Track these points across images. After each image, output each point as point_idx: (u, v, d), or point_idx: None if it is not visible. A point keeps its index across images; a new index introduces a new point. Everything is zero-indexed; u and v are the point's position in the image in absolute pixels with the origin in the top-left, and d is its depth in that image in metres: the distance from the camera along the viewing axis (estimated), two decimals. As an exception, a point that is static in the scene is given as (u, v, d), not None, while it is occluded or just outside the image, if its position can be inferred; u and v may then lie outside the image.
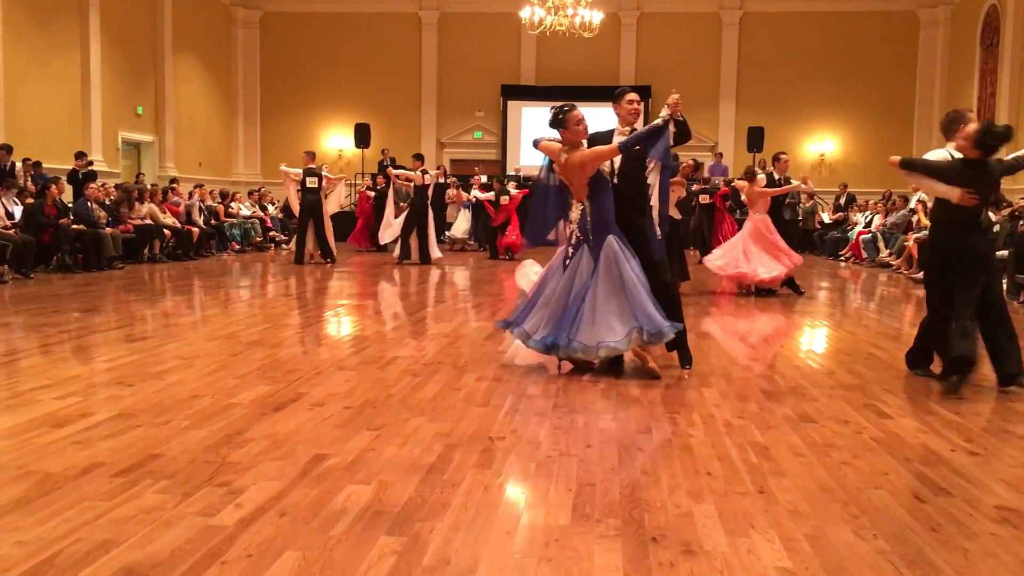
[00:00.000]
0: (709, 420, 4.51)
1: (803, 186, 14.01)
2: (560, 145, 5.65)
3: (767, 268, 10.43)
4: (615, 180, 5.69)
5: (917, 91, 22.51)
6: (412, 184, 14.55)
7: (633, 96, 5.79)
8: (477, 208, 17.91)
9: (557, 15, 18.60)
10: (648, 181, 5.62)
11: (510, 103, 23.57)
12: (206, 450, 3.78)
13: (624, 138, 5.58)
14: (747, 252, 10.59)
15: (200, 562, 2.64)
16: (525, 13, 18.74)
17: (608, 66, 23.17)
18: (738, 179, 12.11)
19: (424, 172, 14.53)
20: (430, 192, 14.94)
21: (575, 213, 5.69)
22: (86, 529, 2.88)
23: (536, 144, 5.85)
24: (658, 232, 5.61)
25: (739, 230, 13.47)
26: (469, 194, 18.31)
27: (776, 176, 10.89)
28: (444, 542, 2.84)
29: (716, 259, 10.89)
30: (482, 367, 5.79)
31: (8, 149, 13.54)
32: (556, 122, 5.62)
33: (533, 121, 23.65)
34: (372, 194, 17.63)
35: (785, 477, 3.58)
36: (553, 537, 2.91)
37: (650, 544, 2.86)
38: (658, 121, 5.49)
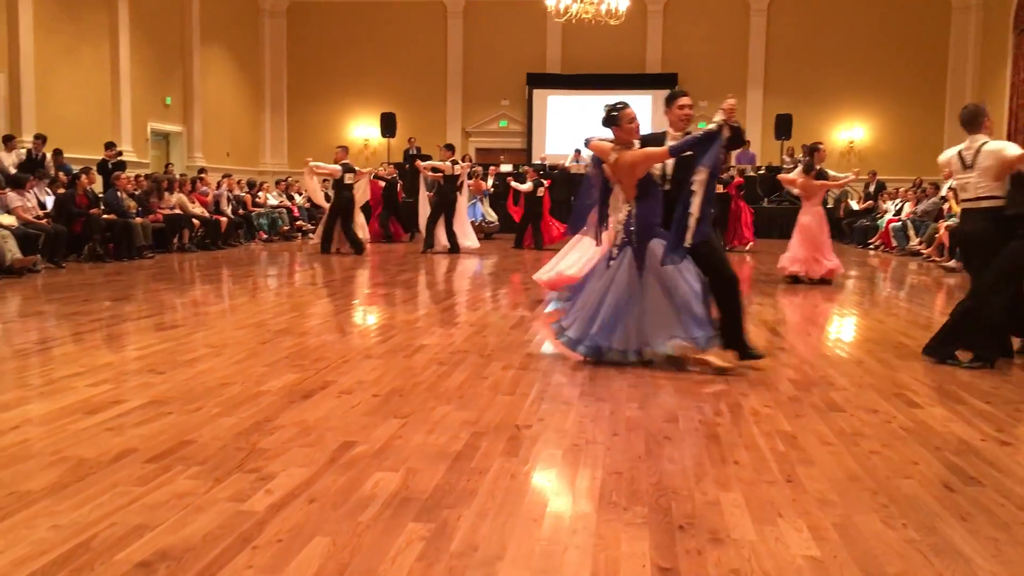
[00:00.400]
0: (736, 409, 4.50)
1: (856, 178, 13.87)
2: (611, 144, 5.56)
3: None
4: (667, 185, 5.52)
5: (949, 77, 22.21)
6: (442, 174, 14.57)
7: (685, 100, 5.56)
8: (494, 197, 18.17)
9: (583, 2, 18.51)
10: (692, 188, 5.24)
11: (535, 91, 23.54)
12: (236, 437, 3.82)
13: (676, 142, 5.40)
14: (814, 243, 10.61)
15: (232, 546, 2.68)
16: (551, 1, 18.67)
17: (634, 54, 23.06)
18: (788, 171, 11.87)
19: (454, 162, 14.51)
20: (461, 183, 14.96)
21: (622, 214, 5.58)
22: (120, 514, 2.93)
23: (588, 143, 5.75)
24: (688, 239, 5.23)
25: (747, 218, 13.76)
26: (487, 183, 18.42)
27: (816, 167, 10.81)
28: (472, 529, 2.86)
29: (790, 265, 10.78)
30: (508, 356, 5.80)
31: (42, 139, 13.72)
32: (609, 120, 5.50)
33: (559, 109, 23.62)
34: (383, 184, 17.31)
35: (813, 466, 3.57)
36: (580, 524, 2.92)
37: (677, 532, 2.87)
38: (711, 126, 5.25)
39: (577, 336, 5.54)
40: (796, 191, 11.40)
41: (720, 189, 16.15)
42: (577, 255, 8.21)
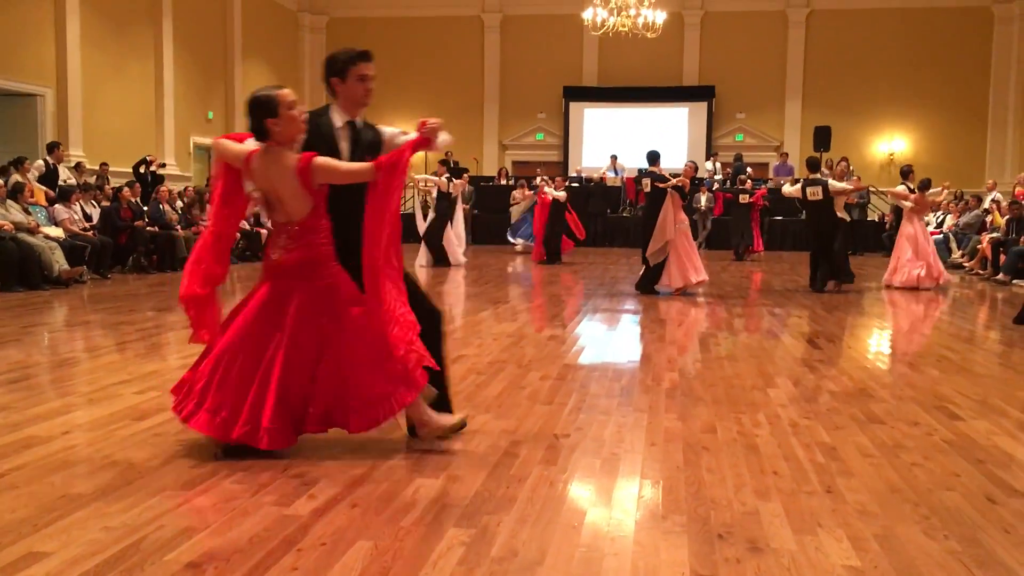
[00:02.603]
0: (775, 420, 4.49)
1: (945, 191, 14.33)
2: None
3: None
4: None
5: (992, 88, 21.92)
6: (437, 189, 14.27)
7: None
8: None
9: (620, 16, 18.57)
10: None
11: (572, 104, 23.60)
12: (279, 443, 3.88)
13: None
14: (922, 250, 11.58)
15: (277, 549, 2.74)
16: (587, 14, 18.76)
17: (671, 67, 23.03)
18: (901, 187, 12.06)
19: (449, 179, 14.28)
20: (455, 199, 14.63)
21: None
22: (168, 516, 3.00)
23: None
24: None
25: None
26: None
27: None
28: (511, 535, 2.89)
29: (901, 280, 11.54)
30: (546, 366, 5.83)
31: (56, 145, 13.65)
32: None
33: (595, 122, 23.66)
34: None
35: (853, 477, 3.56)
36: (619, 532, 2.94)
37: (716, 541, 2.88)
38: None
39: None
40: (908, 205, 11.91)
41: (746, 200, 16.48)
42: None
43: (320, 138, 3.78)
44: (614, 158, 21.41)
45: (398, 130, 4.17)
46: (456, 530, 2.92)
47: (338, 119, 3.92)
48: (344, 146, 3.87)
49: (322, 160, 3.64)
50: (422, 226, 14.51)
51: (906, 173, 12.18)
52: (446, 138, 3.87)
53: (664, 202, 10.14)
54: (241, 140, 3.85)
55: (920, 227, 11.74)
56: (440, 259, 14.14)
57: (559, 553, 2.76)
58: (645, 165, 10.76)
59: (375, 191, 3.64)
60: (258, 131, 3.68)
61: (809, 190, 10.90)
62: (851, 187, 11.70)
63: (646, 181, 10.44)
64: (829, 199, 10.77)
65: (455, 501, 3.20)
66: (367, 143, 3.94)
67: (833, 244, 10.83)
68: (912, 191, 11.83)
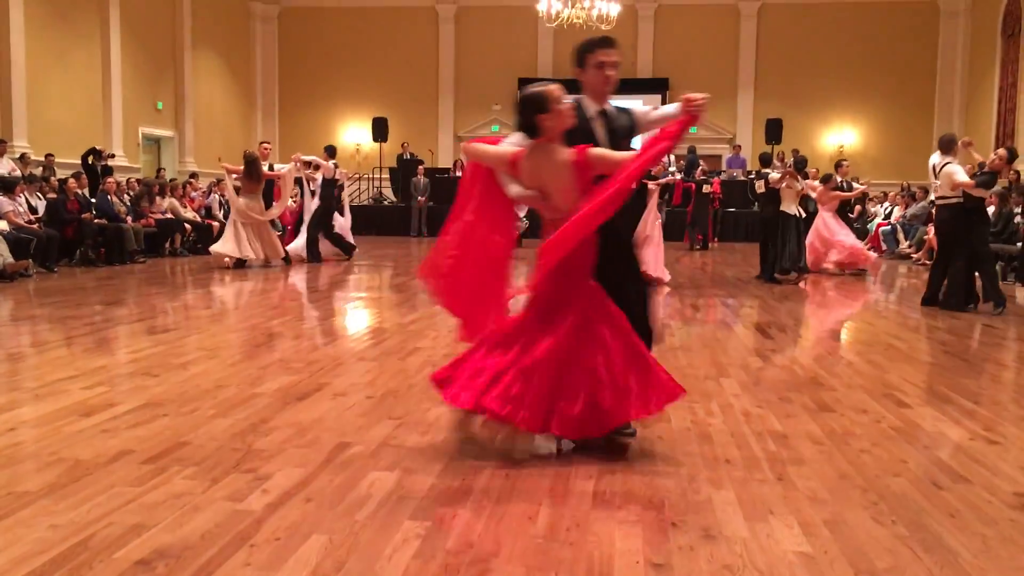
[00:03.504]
0: (728, 409, 4.54)
1: (864, 188, 14.95)
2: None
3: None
4: None
5: (938, 81, 22.36)
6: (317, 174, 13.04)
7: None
8: None
9: (574, 8, 18.61)
10: None
11: (527, 96, 23.54)
12: (232, 438, 3.84)
13: None
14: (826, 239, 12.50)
15: (229, 544, 2.71)
16: (542, 6, 18.77)
17: (625, 59, 22.87)
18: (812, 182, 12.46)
19: (336, 166, 13.48)
20: (341, 186, 13.84)
21: None
22: (118, 513, 2.95)
23: None
24: None
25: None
26: None
27: (839, 180, 12.71)
28: (467, 527, 2.89)
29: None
30: (502, 358, 5.82)
31: None
32: None
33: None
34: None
35: (804, 465, 3.61)
36: (574, 522, 2.95)
37: (670, 529, 2.90)
38: None
39: None
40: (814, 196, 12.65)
41: (708, 190, 16.85)
42: None
43: (576, 129, 3.69)
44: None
45: (648, 107, 4.09)
46: (411, 523, 2.91)
47: (590, 108, 3.85)
48: (601, 134, 3.80)
49: (597, 152, 3.59)
50: (341, 222, 13.75)
51: (838, 166, 13.18)
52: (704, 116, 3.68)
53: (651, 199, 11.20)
54: (494, 143, 3.83)
55: (829, 217, 12.58)
56: (317, 256, 13.03)
57: (515, 544, 2.76)
58: None
59: (625, 179, 3.51)
60: (529, 128, 3.63)
61: (757, 183, 12.16)
62: (779, 176, 11.52)
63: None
64: (774, 191, 11.31)
65: (410, 494, 3.19)
66: (622, 129, 3.88)
67: (776, 234, 11.20)
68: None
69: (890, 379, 5.37)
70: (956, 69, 21.99)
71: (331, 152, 13.72)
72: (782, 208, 11.22)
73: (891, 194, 18.21)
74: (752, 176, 16.54)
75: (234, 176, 12.55)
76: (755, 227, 13.23)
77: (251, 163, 12.19)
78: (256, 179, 12.23)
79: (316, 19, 24.03)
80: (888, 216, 16.90)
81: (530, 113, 3.60)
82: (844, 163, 13.43)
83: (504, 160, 3.70)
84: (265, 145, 13.61)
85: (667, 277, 10.75)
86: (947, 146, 8.89)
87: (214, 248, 12.45)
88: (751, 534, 2.87)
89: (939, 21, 22.23)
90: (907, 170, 20.56)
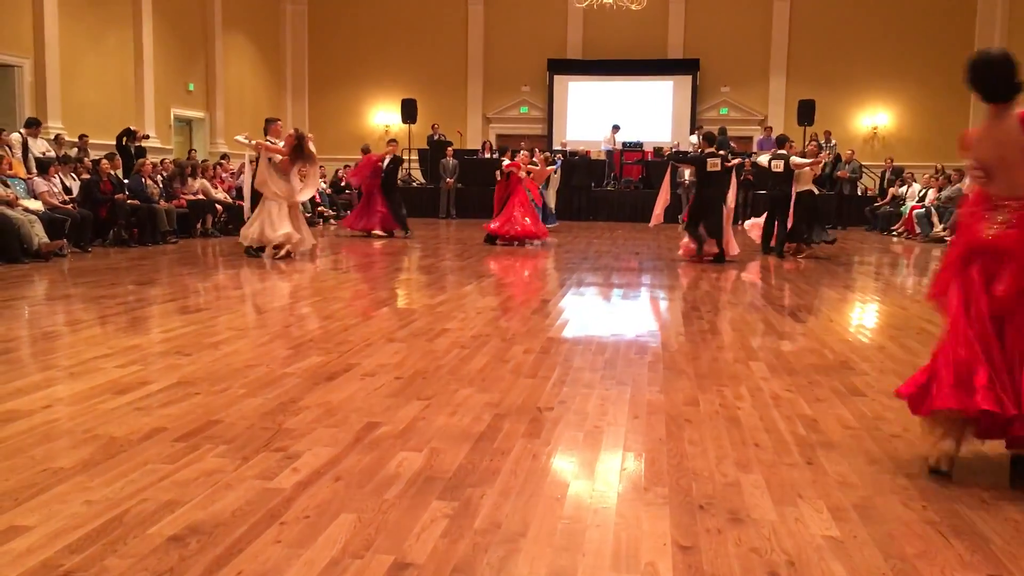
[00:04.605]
0: (757, 393, 4.52)
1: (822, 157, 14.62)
2: None
3: None
4: None
5: (974, 63, 21.90)
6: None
7: None
8: None
9: (604, -12, 18.44)
10: None
11: (556, 77, 23.48)
12: (262, 417, 3.88)
13: None
14: None
15: (260, 522, 2.74)
16: (572, -14, 18.60)
17: (656, 39, 22.91)
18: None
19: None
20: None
21: None
22: (151, 490, 2.99)
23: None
24: None
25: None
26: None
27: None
28: (495, 507, 2.91)
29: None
30: (529, 340, 5.84)
31: (35, 122, 13.38)
32: None
33: (580, 95, 23.57)
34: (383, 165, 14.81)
35: (834, 449, 3.59)
36: (602, 504, 2.96)
37: (697, 512, 2.90)
38: None
39: None
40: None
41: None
42: None
43: None
44: (616, 128, 21.17)
45: None
46: (439, 503, 2.93)
47: None
48: None
49: None
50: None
51: (782, 142, 12.97)
52: None
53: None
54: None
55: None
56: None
57: (542, 525, 2.77)
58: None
59: None
60: (1006, 92, 3.31)
61: (774, 163, 12.33)
62: (807, 162, 12.15)
63: (715, 161, 11.41)
64: (789, 172, 11.99)
65: (438, 474, 3.21)
66: None
67: (787, 211, 12.00)
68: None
69: (922, 363, 5.29)
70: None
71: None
72: (804, 187, 11.97)
73: (926, 176, 17.93)
74: (748, 156, 16.68)
75: (277, 156, 10.93)
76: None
77: (301, 141, 11.08)
78: (307, 158, 11.14)
79: (346, 1, 24.03)
80: (922, 199, 16.66)
81: (1009, 75, 3.28)
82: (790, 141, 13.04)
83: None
84: (278, 123, 11.74)
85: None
86: None
87: (271, 236, 10.79)
88: (779, 518, 2.86)
89: (976, 2, 21.79)
90: (941, 152, 20.23)
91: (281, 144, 11.02)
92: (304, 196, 11.76)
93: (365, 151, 15.62)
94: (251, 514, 2.80)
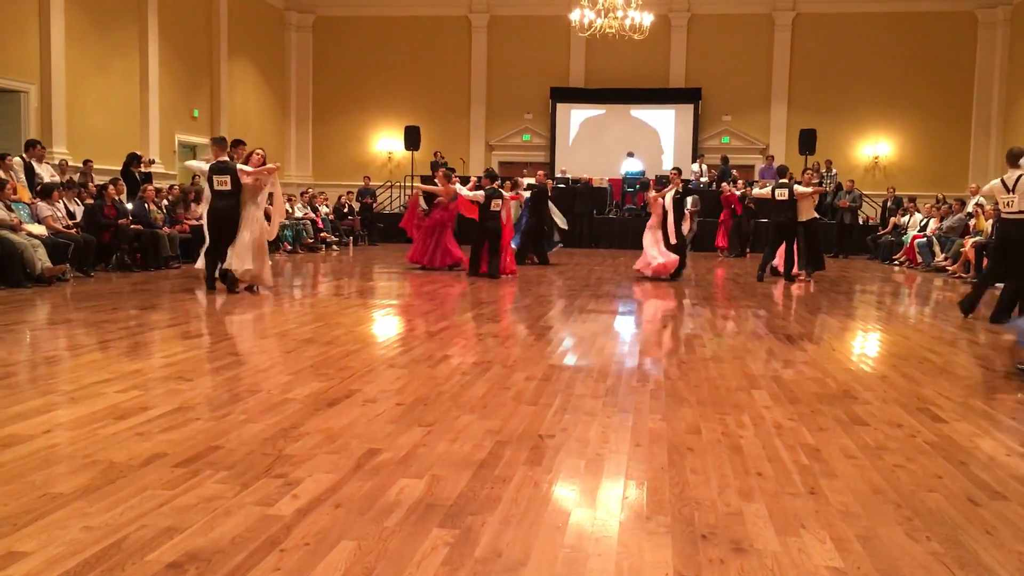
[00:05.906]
0: (759, 422, 4.50)
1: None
2: None
3: None
4: None
5: (975, 92, 22.05)
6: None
7: None
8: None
9: (607, 17, 18.58)
10: None
11: (559, 105, 23.60)
12: (263, 443, 3.87)
13: None
14: None
15: (260, 549, 2.72)
16: (575, 16, 18.75)
17: (658, 68, 23.07)
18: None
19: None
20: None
21: None
22: (150, 516, 2.97)
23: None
24: None
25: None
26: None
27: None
28: (495, 535, 2.89)
29: None
30: (531, 367, 5.83)
31: (34, 143, 13.12)
32: None
33: (581, 123, 23.69)
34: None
35: (837, 479, 3.57)
36: (603, 533, 2.94)
37: (700, 541, 2.88)
38: None
39: None
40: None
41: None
42: None
43: None
44: (631, 155, 21.29)
45: None
46: (440, 530, 2.91)
47: None
48: None
49: None
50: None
51: (783, 172, 13.93)
52: None
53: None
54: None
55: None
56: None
57: (543, 554, 2.75)
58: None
59: None
60: None
61: (778, 192, 12.77)
62: (809, 191, 12.92)
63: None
64: (793, 200, 12.54)
65: (439, 501, 3.19)
66: None
67: (793, 239, 12.59)
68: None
69: (925, 393, 5.30)
70: (994, 81, 21.70)
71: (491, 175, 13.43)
72: (807, 216, 12.68)
73: (927, 206, 17.98)
74: (748, 185, 17.71)
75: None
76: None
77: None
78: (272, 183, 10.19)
79: (350, 28, 24.22)
80: (924, 228, 16.69)
81: None
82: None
83: None
84: (259, 153, 10.19)
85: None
86: (1015, 159, 8.66)
87: (260, 275, 9.97)
88: (782, 548, 2.84)
89: (977, 32, 21.95)
90: (943, 182, 20.34)
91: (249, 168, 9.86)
92: (272, 233, 10.58)
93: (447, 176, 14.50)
94: (251, 541, 2.78)
